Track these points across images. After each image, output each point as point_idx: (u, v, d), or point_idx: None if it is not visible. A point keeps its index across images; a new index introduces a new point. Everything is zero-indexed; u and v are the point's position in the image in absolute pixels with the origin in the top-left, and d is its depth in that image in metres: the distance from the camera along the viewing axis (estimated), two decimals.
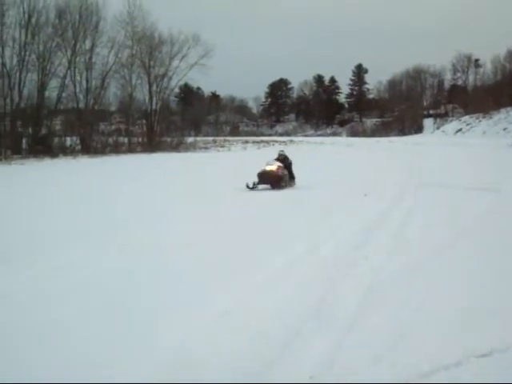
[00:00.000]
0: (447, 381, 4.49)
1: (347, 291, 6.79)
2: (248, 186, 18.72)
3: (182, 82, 64.89)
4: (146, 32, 53.66)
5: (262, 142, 66.71)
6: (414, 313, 6.01)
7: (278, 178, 19.16)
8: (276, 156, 20.87)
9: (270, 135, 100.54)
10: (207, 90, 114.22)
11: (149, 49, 54.24)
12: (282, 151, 21.56)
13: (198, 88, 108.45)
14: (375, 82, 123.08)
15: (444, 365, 4.68)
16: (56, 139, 47.18)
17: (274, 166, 19.35)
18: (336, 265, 8.01)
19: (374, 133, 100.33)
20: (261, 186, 18.89)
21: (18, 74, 44.03)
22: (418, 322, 5.76)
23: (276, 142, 65.45)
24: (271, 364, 4.81)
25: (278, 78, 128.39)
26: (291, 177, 20.23)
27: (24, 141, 44.62)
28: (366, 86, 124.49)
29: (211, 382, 4.56)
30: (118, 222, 12.19)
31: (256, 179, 19.01)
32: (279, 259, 8.22)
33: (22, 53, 44.13)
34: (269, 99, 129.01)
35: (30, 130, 45.46)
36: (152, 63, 55.01)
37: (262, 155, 41.92)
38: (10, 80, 43.44)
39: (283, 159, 20.39)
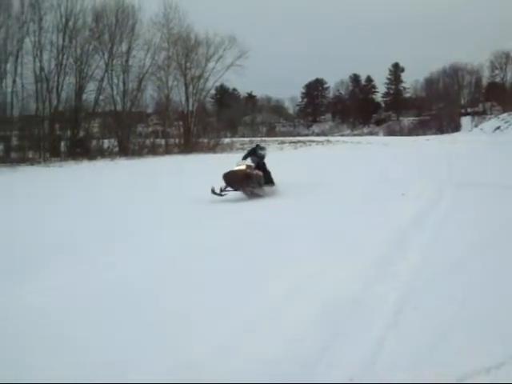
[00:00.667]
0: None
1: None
2: (214, 192, 16.21)
3: (218, 83, 64.69)
4: (182, 34, 53.77)
5: (298, 142, 66.21)
6: (455, 312, 5.92)
7: (246, 177, 16.53)
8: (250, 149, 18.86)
9: (306, 135, 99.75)
10: (243, 90, 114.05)
11: (185, 50, 54.27)
12: (260, 146, 19.19)
13: (234, 89, 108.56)
14: (412, 80, 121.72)
15: (485, 367, 4.60)
16: (94, 142, 47.57)
17: (242, 166, 16.86)
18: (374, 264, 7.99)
19: (411, 131, 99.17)
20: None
21: (56, 78, 44.49)
22: (460, 321, 5.67)
23: (313, 141, 64.91)
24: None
25: (313, 77, 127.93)
26: (269, 181, 17.72)
27: (62, 143, 45.00)
28: (403, 84, 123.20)
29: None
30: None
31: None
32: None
33: (60, 56, 44.57)
34: (305, 99, 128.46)
35: (69, 132, 45.83)
36: (188, 65, 55.07)
37: (298, 155, 41.95)
38: (49, 84, 43.95)
39: (262, 156, 18.07)
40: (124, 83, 49.95)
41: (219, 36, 55.21)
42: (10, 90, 42.26)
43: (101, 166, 35.47)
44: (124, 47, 49.60)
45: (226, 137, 65.44)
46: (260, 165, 17.74)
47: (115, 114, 49.85)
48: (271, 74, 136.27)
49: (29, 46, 43.09)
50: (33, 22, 42.95)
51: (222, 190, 16.46)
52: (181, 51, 54.07)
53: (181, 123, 56.70)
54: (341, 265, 8.03)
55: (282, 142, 64.99)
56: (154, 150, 49.20)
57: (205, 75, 56.08)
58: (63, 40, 44.71)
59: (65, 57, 44.93)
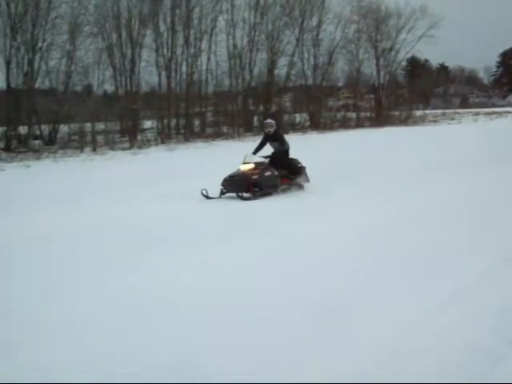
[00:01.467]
0: None
1: None
2: (205, 195, 13.52)
3: (409, 55, 63.42)
4: (372, 6, 53.34)
5: (493, 113, 64.06)
6: None
7: (254, 184, 13.57)
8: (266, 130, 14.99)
9: (502, 106, 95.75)
10: (435, 61, 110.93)
11: (375, 22, 53.71)
12: (269, 121, 15.34)
13: (426, 60, 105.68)
14: None
15: None
16: (286, 116, 48.15)
17: (248, 166, 13.91)
18: None
19: None
20: None
21: (248, 54, 45.54)
22: None
23: (509, 113, 62.40)
24: None
25: (509, 46, 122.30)
26: (291, 172, 14.54)
27: (255, 118, 46.05)
28: None
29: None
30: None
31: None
32: None
33: (252, 33, 45.50)
34: (500, 69, 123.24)
35: (261, 107, 46.73)
36: (379, 37, 54.45)
37: (493, 127, 40.31)
38: (241, 60, 45.04)
39: (273, 134, 14.69)
40: (314, 57, 50.25)
41: (410, 6, 54.27)
42: (204, 67, 43.79)
43: (294, 139, 35.82)
44: (314, 21, 49.82)
45: (417, 109, 64.29)
46: (283, 150, 14.73)
47: (306, 88, 50.30)
48: (464, 44, 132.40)
49: (222, 24, 44.39)
50: (225, 1, 44.06)
51: (222, 193, 13.78)
52: (371, 23, 53.72)
53: (372, 96, 56.51)
54: None
55: (477, 114, 63.33)
56: (344, 124, 49.43)
57: (396, 47, 55.34)
58: (255, 17, 45.59)
59: (256, 33, 45.86)
